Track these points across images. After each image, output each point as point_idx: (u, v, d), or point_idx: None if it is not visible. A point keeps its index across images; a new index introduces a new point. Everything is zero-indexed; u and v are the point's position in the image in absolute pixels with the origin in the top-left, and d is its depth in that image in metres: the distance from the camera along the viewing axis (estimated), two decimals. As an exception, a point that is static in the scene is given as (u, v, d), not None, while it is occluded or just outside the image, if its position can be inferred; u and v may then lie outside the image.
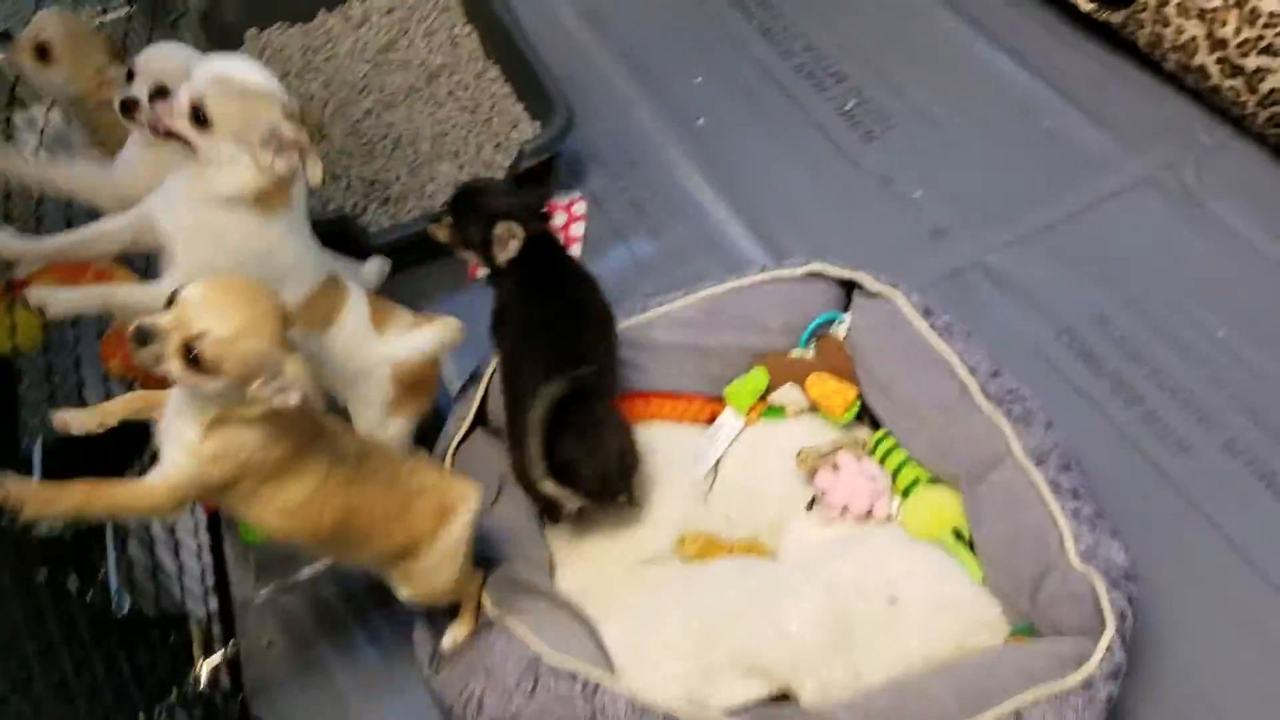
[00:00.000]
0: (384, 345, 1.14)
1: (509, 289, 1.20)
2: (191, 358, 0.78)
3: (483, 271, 1.52)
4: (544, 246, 1.20)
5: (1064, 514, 1.10)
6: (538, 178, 1.57)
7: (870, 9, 1.88)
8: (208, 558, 1.24)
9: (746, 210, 1.62)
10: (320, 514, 0.93)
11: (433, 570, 1.02)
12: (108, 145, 1.16)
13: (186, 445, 0.84)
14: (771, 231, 1.59)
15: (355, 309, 1.13)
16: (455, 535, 1.00)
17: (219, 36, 1.70)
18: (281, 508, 0.91)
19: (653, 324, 1.33)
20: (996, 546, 1.15)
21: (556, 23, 1.86)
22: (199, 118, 0.96)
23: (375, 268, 1.30)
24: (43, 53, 1.10)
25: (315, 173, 1.00)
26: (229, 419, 0.84)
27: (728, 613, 1.09)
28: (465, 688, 1.03)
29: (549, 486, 1.14)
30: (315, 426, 0.92)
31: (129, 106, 1.02)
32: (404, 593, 1.04)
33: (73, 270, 1.03)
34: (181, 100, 0.96)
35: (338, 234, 1.35)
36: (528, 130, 1.65)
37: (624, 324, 1.32)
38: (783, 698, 1.07)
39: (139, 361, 0.80)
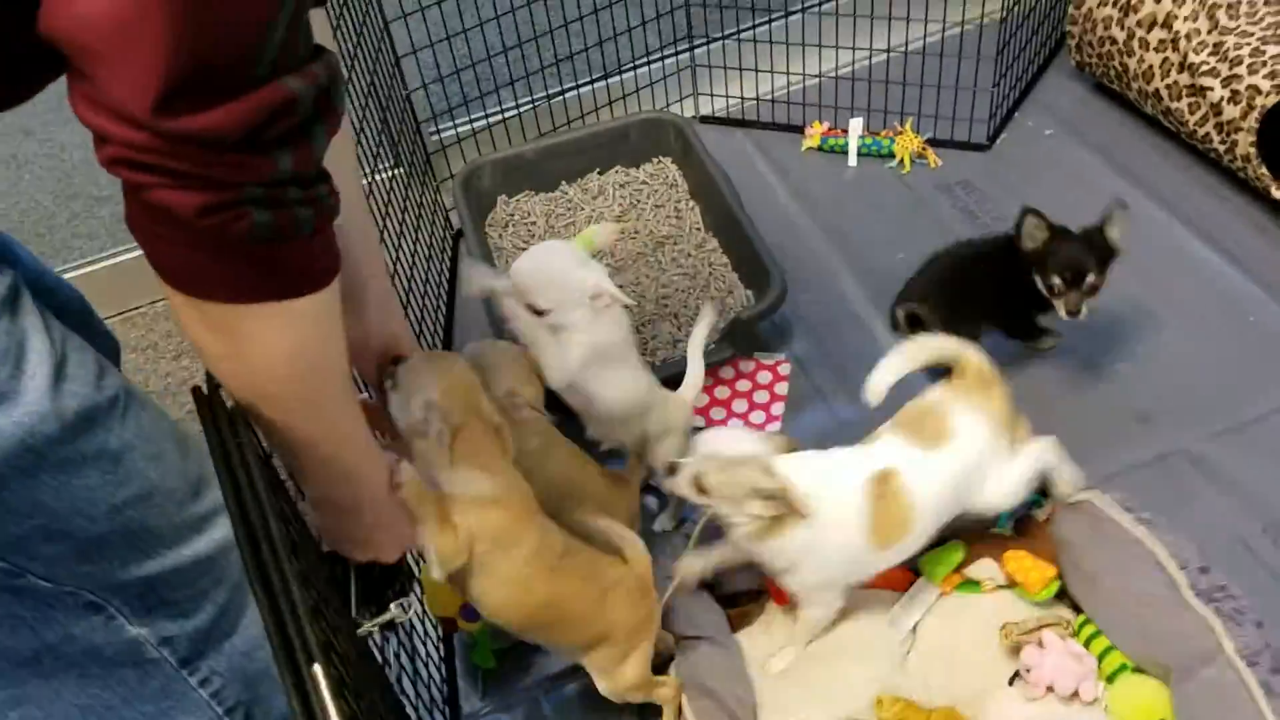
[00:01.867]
0: None
1: None
2: None
3: (695, 421, 1.66)
4: None
5: (1276, 717, 1.10)
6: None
7: (1073, 196, 1.96)
8: (438, 674, 1.38)
9: (947, 381, 1.70)
10: (529, 593, 1.10)
11: (622, 658, 1.18)
12: None
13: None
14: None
15: None
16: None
17: (475, 200, 1.94)
18: (504, 576, 1.08)
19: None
20: (1205, 744, 1.15)
21: (773, 200, 2.03)
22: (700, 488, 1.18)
23: None
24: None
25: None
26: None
27: (929, 779, 1.13)
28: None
29: None
30: (530, 508, 1.11)
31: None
32: (602, 685, 1.20)
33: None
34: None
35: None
36: (741, 296, 1.80)
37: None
38: None
39: None
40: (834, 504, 1.20)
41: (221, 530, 0.87)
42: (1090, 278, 1.49)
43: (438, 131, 2.06)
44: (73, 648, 0.82)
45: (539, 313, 1.27)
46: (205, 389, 0.79)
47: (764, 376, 1.74)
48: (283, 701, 0.65)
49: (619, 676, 1.18)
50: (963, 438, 1.24)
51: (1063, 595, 1.33)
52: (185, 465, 0.85)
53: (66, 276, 1.90)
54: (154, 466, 0.81)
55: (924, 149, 2.07)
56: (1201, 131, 1.90)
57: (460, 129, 2.06)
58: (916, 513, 1.22)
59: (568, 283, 1.27)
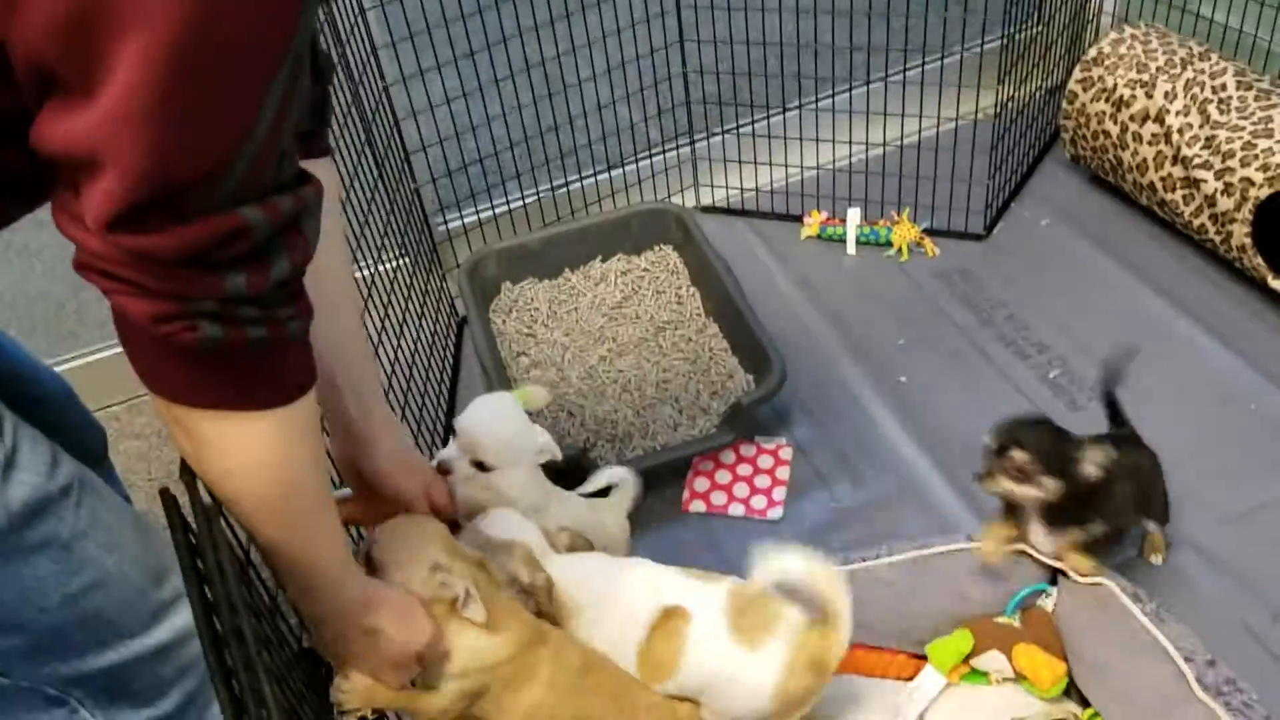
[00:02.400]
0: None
1: None
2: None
3: (697, 504, 1.65)
4: None
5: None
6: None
7: (1073, 286, 1.99)
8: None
9: (948, 466, 1.69)
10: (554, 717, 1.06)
11: None
12: None
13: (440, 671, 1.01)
14: (973, 488, 1.64)
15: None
16: None
17: (480, 287, 1.97)
18: (525, 713, 1.04)
19: (853, 578, 1.40)
20: (1218, 842, 1.12)
21: (773, 287, 2.06)
22: None
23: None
24: None
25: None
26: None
27: None
28: None
29: None
30: (538, 632, 1.07)
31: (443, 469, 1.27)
32: None
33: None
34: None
35: (574, 467, 1.52)
36: (741, 380, 1.81)
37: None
38: None
39: None
40: (611, 619, 1.14)
41: (184, 617, 0.86)
42: (1015, 453, 1.26)
43: (445, 222, 2.10)
44: None
45: (482, 467, 1.28)
46: (173, 490, 0.80)
47: (765, 461, 1.74)
48: None
49: None
50: (761, 659, 1.13)
51: (1069, 690, 1.30)
52: (145, 553, 0.85)
53: (75, 364, 1.94)
54: (109, 554, 0.82)
55: (921, 238, 2.10)
56: (1197, 222, 1.92)
57: (466, 219, 2.10)
58: (680, 671, 1.14)
59: (521, 442, 1.30)
